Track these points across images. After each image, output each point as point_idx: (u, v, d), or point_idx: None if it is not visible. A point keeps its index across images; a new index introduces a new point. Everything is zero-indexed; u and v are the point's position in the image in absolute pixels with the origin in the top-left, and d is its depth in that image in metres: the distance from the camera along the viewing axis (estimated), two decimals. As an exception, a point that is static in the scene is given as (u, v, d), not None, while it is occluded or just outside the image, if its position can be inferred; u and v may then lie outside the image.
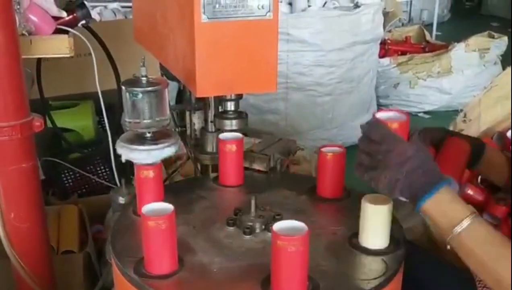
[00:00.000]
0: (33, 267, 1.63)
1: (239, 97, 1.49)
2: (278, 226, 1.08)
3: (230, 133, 1.54)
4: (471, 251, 1.11)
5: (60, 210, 2.23)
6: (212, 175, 1.67)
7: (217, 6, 1.20)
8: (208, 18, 1.20)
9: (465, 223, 1.10)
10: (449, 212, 1.12)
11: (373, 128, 1.17)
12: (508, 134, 2.32)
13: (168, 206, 1.17)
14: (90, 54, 1.94)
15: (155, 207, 1.17)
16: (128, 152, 1.35)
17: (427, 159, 1.14)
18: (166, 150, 1.35)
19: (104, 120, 2.24)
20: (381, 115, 1.22)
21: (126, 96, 1.32)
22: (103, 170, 2.59)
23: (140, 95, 1.31)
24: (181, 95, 1.92)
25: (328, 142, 3.64)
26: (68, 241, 2.05)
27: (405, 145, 1.13)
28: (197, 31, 1.20)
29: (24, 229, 1.61)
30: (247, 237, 1.30)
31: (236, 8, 1.21)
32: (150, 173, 1.36)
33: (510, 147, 2.29)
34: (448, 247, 1.12)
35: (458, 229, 1.09)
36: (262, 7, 1.22)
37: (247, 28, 1.23)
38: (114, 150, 2.10)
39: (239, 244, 1.28)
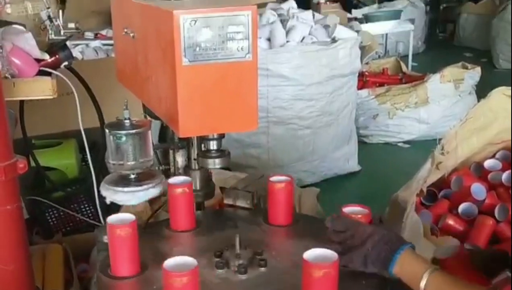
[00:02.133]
0: (18, 309, 1.62)
1: (221, 136, 1.51)
2: (308, 255, 1.13)
3: (178, 177, 1.56)
4: None
5: (45, 250, 2.22)
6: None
7: (197, 49, 1.23)
8: (189, 61, 1.23)
9: (425, 277, 1.20)
10: (412, 271, 1.24)
11: (337, 221, 1.35)
12: (485, 164, 2.38)
13: (192, 261, 1.15)
14: (72, 92, 1.96)
15: (178, 262, 1.16)
16: (112, 194, 1.36)
17: (386, 232, 1.30)
18: (150, 191, 1.37)
19: (87, 158, 2.25)
20: (346, 209, 1.41)
21: (110, 138, 1.34)
22: (87, 208, 2.59)
23: (123, 138, 1.33)
24: (164, 132, 1.94)
25: (310, 174, 3.70)
26: (53, 281, 2.04)
27: (364, 227, 1.33)
28: (179, 74, 1.23)
29: (9, 272, 1.59)
30: (243, 276, 1.31)
31: (216, 51, 1.25)
32: (126, 231, 1.30)
33: (488, 177, 2.34)
34: None
35: (422, 284, 1.20)
36: (242, 49, 1.26)
37: (227, 70, 1.26)
38: (98, 187, 2.10)
39: (234, 285, 1.29)
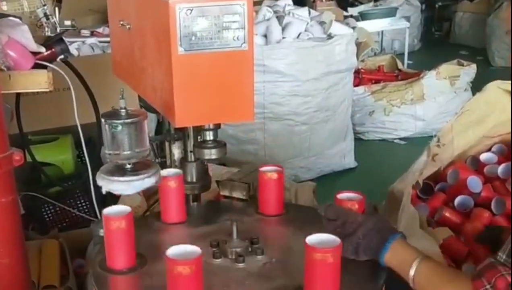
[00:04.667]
0: (14, 302, 1.61)
1: (217, 126, 1.52)
2: (310, 240, 1.14)
3: (170, 170, 1.57)
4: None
5: (41, 245, 2.21)
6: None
7: (193, 38, 1.24)
8: (185, 50, 1.24)
9: (414, 265, 1.21)
10: (403, 259, 1.24)
11: (329, 210, 1.35)
12: (481, 157, 2.39)
13: (196, 249, 1.16)
14: (69, 88, 1.96)
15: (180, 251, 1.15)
16: (108, 184, 1.35)
17: (377, 221, 1.31)
18: (146, 181, 1.36)
19: (83, 154, 2.25)
20: (341, 196, 1.40)
21: (105, 128, 1.33)
22: (83, 204, 2.59)
23: (119, 127, 1.32)
24: (161, 127, 1.94)
25: (307, 170, 3.70)
26: (49, 276, 2.03)
27: (355, 215, 1.33)
28: (175, 63, 1.24)
29: (4, 265, 1.59)
30: (241, 265, 1.31)
31: (212, 40, 1.26)
32: (122, 224, 1.31)
33: (484, 170, 2.35)
34: None
35: (411, 272, 1.21)
36: (237, 38, 1.27)
37: (223, 59, 1.27)
38: (94, 183, 2.09)
39: (234, 273, 1.29)
